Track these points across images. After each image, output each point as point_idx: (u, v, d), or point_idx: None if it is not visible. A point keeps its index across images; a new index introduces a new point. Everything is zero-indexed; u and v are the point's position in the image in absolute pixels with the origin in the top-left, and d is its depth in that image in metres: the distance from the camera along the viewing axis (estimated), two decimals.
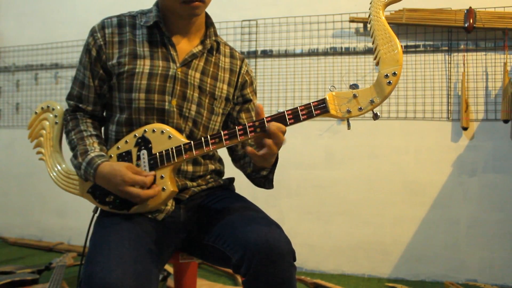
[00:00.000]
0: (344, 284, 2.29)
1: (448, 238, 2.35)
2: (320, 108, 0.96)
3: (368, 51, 2.48)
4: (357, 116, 0.96)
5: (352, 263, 2.48)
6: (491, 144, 2.31)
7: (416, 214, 2.40)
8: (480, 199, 2.32)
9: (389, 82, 0.92)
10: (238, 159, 1.26)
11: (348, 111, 0.95)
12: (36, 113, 1.32)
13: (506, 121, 2.19)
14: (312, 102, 0.97)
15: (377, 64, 0.94)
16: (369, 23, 0.97)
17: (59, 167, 1.26)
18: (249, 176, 1.23)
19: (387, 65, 0.93)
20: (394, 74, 0.92)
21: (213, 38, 1.21)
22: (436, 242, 2.37)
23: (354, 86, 0.95)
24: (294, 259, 1.01)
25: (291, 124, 0.97)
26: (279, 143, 0.97)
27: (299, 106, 0.97)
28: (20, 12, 3.22)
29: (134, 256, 0.96)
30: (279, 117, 0.98)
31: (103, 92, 1.19)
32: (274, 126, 0.95)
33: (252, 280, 0.97)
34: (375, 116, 0.95)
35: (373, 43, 0.96)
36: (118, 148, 1.13)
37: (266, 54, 2.64)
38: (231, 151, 1.28)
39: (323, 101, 0.96)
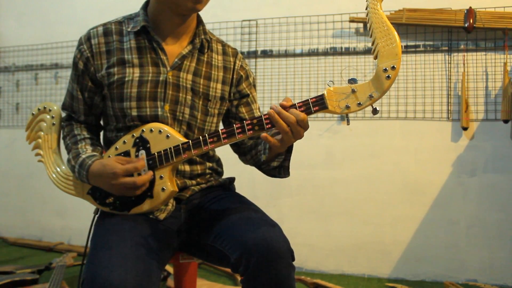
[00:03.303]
0: (344, 284, 2.29)
1: (448, 238, 2.35)
2: (318, 104, 0.95)
3: (368, 51, 2.48)
4: (356, 112, 0.95)
5: (352, 263, 2.48)
6: (491, 144, 2.31)
7: (416, 214, 2.39)
8: (480, 199, 2.32)
9: (388, 76, 0.90)
10: (248, 151, 1.23)
11: (347, 107, 0.93)
12: (33, 114, 1.31)
13: (506, 121, 2.19)
14: (310, 99, 0.96)
15: (375, 57, 0.92)
16: (367, 16, 0.94)
17: (58, 169, 1.26)
18: (261, 166, 1.20)
19: (386, 58, 0.90)
20: (393, 68, 0.89)
21: (202, 36, 1.18)
22: (436, 242, 2.37)
23: (352, 81, 0.94)
24: (293, 259, 1.00)
25: None
26: (295, 132, 0.96)
27: (297, 103, 0.96)
28: (20, 12, 3.22)
29: (135, 256, 0.96)
30: None
31: (95, 103, 1.19)
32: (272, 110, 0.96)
33: (250, 280, 0.97)
34: (374, 111, 0.94)
35: (371, 36, 0.93)
36: (116, 148, 1.13)
37: (266, 54, 2.63)
38: (237, 145, 1.26)
39: (321, 97, 0.95)
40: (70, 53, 3.03)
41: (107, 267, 0.90)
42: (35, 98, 3.13)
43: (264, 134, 0.97)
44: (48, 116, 1.28)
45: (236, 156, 1.31)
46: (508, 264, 2.27)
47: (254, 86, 1.31)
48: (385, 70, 0.90)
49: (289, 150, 1.12)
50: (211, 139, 1.02)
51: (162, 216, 1.13)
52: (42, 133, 1.29)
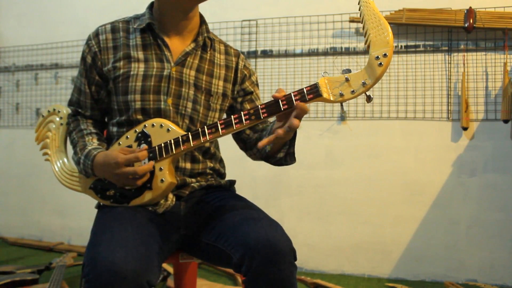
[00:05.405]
0: (344, 284, 2.29)
1: (448, 238, 2.35)
2: (313, 92, 0.96)
3: (368, 51, 2.47)
4: (350, 99, 0.95)
5: (352, 263, 2.48)
6: (491, 144, 2.31)
7: (416, 214, 2.40)
8: (480, 199, 2.32)
9: (380, 64, 0.91)
10: (254, 144, 1.26)
11: (341, 94, 0.94)
12: (43, 116, 1.36)
13: (506, 121, 2.19)
14: (305, 87, 0.97)
15: (368, 47, 0.93)
16: (359, 10, 0.96)
17: (63, 166, 1.30)
18: (269, 159, 1.21)
19: (378, 47, 0.92)
20: (385, 55, 0.90)
21: (205, 34, 1.22)
22: (436, 242, 2.37)
23: (346, 71, 0.95)
24: (295, 258, 1.01)
25: (285, 110, 0.97)
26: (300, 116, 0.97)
27: (293, 92, 0.98)
28: (20, 12, 3.22)
29: (136, 239, 0.97)
30: (274, 103, 0.98)
31: (101, 98, 1.23)
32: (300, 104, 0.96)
33: (253, 279, 0.97)
34: (369, 98, 0.94)
35: (363, 28, 0.95)
36: (119, 144, 1.16)
37: (266, 54, 2.64)
38: (243, 141, 1.29)
39: (316, 85, 0.96)
40: (70, 53, 3.03)
41: (108, 248, 0.91)
42: (35, 98, 3.13)
43: (261, 143, 0.98)
44: (57, 118, 1.33)
45: (236, 156, 1.32)
46: (508, 264, 2.27)
47: (257, 84, 1.35)
48: (377, 57, 0.91)
49: (293, 136, 1.13)
50: (210, 130, 1.04)
51: (160, 210, 1.15)
52: (50, 133, 1.34)
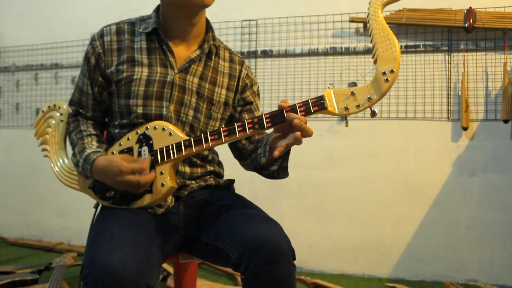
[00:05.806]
0: (344, 284, 2.29)
1: (448, 238, 2.35)
2: (318, 105, 0.97)
3: (368, 51, 2.48)
4: (355, 113, 0.96)
5: (352, 263, 2.48)
6: (491, 144, 2.31)
7: (416, 214, 2.40)
8: (480, 199, 2.32)
9: (387, 79, 0.92)
10: (248, 155, 1.25)
11: (346, 108, 0.95)
12: (43, 111, 1.35)
13: (506, 121, 2.19)
14: (310, 99, 0.97)
15: (375, 62, 0.94)
16: (368, 22, 0.97)
17: (62, 164, 1.29)
18: (262, 171, 1.21)
19: (385, 62, 0.93)
20: (392, 71, 0.92)
21: (211, 42, 1.21)
22: (436, 242, 2.37)
23: (352, 84, 0.95)
24: (294, 258, 1.01)
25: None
26: (305, 135, 0.97)
27: (298, 103, 0.98)
28: (20, 12, 3.22)
29: (135, 241, 0.96)
30: (278, 113, 0.99)
31: (103, 99, 1.22)
32: (297, 119, 0.94)
33: (252, 278, 0.97)
34: (373, 114, 0.95)
35: (371, 42, 0.96)
36: (120, 145, 1.16)
37: (266, 54, 2.63)
38: (238, 150, 1.28)
39: (321, 98, 0.97)
40: (70, 53, 3.03)
41: (106, 250, 0.90)
42: (35, 98, 3.13)
43: (276, 153, 0.97)
44: (57, 114, 1.32)
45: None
46: (508, 264, 2.27)
47: (258, 95, 1.34)
48: (384, 73, 0.92)
49: (287, 151, 1.13)
50: (212, 137, 1.04)
51: (160, 211, 1.15)
52: (50, 129, 1.32)
